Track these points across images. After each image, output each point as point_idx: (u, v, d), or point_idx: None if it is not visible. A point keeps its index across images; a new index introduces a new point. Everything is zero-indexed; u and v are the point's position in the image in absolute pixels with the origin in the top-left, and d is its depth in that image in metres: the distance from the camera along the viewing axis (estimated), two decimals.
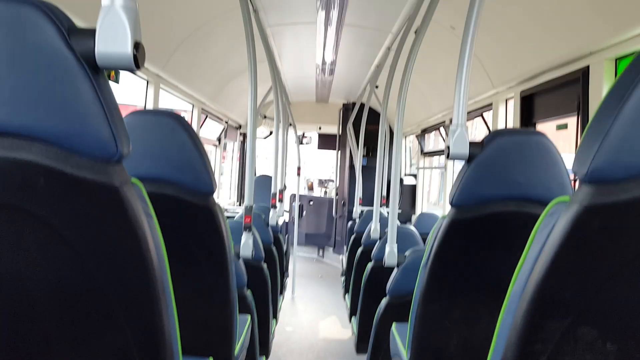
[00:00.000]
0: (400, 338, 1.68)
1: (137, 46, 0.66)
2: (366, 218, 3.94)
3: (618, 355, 0.66)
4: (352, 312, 3.57)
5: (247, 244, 2.01)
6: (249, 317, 1.87)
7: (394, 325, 1.82)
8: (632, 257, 0.62)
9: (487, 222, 1.28)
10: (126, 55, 0.66)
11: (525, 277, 0.70)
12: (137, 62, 0.67)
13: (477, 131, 5.44)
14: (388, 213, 2.41)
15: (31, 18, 0.63)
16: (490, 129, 3.06)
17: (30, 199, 0.66)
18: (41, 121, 0.65)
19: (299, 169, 5.60)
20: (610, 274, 0.63)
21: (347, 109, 6.42)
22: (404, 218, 5.24)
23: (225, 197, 5.99)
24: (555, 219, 0.68)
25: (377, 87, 4.38)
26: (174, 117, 1.31)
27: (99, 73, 0.67)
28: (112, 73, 2.61)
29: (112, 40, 0.65)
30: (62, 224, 0.67)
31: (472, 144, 1.26)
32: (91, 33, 0.65)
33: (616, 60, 1.76)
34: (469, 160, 1.27)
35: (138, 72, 2.61)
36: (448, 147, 1.28)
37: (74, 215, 0.68)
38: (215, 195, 1.43)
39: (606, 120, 0.62)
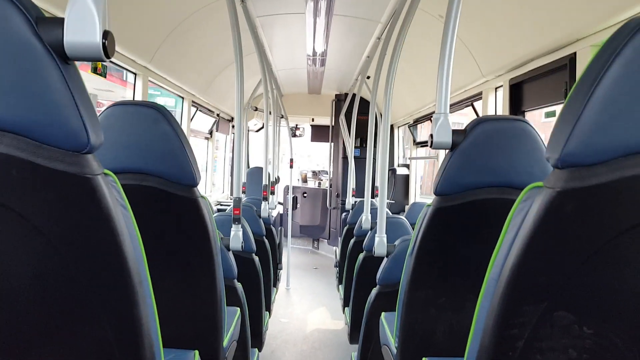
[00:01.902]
0: (388, 327, 1.69)
1: (106, 35, 0.65)
2: (359, 209, 3.94)
3: (594, 339, 0.66)
4: (345, 303, 3.58)
5: (236, 236, 2.01)
6: (238, 309, 1.87)
7: (382, 314, 1.83)
8: (605, 241, 0.62)
9: (470, 209, 1.28)
10: (95, 45, 0.65)
11: (501, 262, 0.70)
12: (106, 52, 0.66)
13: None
14: None
15: None
16: None
17: (2, 191, 0.66)
18: (10, 113, 0.64)
19: (291, 160, 5.60)
20: (584, 258, 0.63)
21: (339, 99, 6.41)
22: (397, 208, 5.25)
23: (219, 190, 5.98)
24: (530, 204, 0.68)
25: (368, 77, 4.37)
26: (156, 108, 1.30)
27: (68, 63, 0.66)
28: (99, 66, 2.59)
29: (80, 30, 0.64)
30: (35, 215, 0.67)
31: (455, 132, 1.26)
32: (60, 22, 0.64)
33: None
34: (452, 148, 1.27)
35: (126, 65, 2.58)
36: (431, 136, 1.28)
37: (47, 206, 0.67)
38: (209, 189, 1.42)
39: (578, 105, 0.62)
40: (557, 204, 0.63)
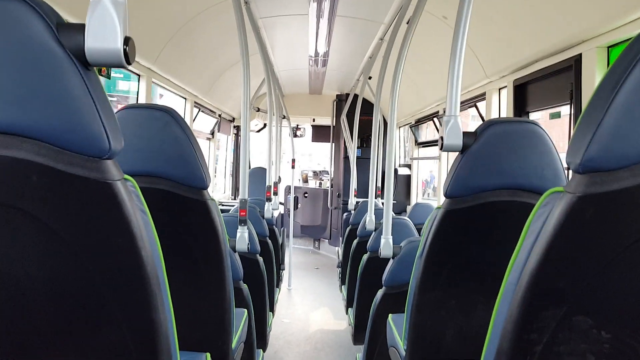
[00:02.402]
0: (396, 329, 1.69)
1: (127, 41, 0.65)
2: (361, 209, 3.94)
3: (613, 343, 0.66)
4: (349, 304, 3.58)
5: (242, 238, 2.01)
6: (245, 311, 1.87)
7: (390, 316, 1.83)
8: (626, 246, 0.62)
9: (481, 212, 1.28)
10: (116, 51, 0.65)
11: (520, 267, 0.70)
12: (127, 58, 0.66)
13: (474, 121, 5.42)
14: (383, 204, 2.40)
15: (18, 13, 0.62)
16: (485, 119, 3.06)
17: (23, 196, 0.66)
18: (32, 118, 0.64)
19: (293, 161, 5.60)
20: (605, 263, 0.64)
21: (340, 100, 6.41)
22: (399, 209, 5.26)
23: (220, 191, 5.98)
24: (550, 209, 0.68)
25: (370, 78, 4.37)
26: (167, 112, 1.30)
27: (89, 69, 0.66)
28: (104, 69, 2.59)
29: (101, 36, 0.64)
30: (55, 221, 0.67)
31: (465, 134, 1.26)
32: (80, 28, 0.64)
33: (608, 48, 1.76)
34: (463, 150, 1.27)
35: (129, 67, 2.58)
36: (442, 138, 1.28)
37: (68, 212, 0.68)
38: (210, 189, 1.43)
39: (599, 110, 0.62)
40: (578, 209, 0.63)
